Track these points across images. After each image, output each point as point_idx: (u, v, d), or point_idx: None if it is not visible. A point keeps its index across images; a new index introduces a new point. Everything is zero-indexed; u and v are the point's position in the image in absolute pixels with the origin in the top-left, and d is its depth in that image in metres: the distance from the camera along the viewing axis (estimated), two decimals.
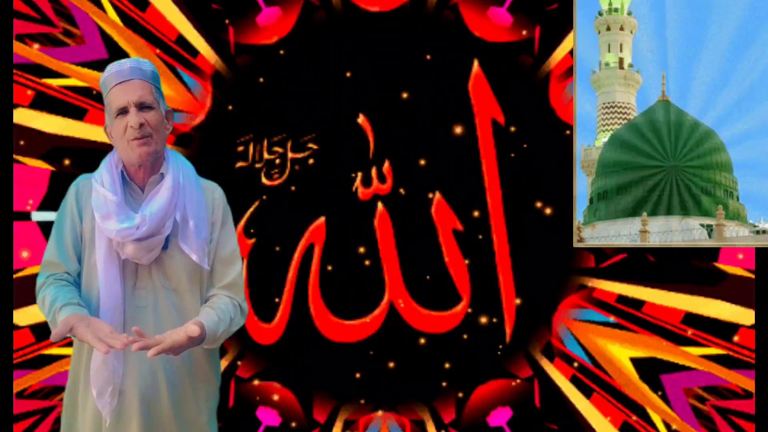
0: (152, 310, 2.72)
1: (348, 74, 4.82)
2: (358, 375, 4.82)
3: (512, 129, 4.82)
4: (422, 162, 4.84)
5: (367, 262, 4.81)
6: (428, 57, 4.82)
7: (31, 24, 4.70)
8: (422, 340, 4.82)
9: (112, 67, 2.72)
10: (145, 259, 2.69)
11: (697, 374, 4.69)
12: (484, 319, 4.82)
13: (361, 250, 4.79)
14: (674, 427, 4.71)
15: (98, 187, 2.69)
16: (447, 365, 4.82)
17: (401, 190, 4.84)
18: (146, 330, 2.68)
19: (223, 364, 4.74)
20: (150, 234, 2.66)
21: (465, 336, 4.82)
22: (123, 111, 2.68)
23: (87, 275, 2.74)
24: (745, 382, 4.66)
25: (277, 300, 4.79)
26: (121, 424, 2.69)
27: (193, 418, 2.78)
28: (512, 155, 4.82)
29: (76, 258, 2.73)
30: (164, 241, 2.71)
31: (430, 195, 4.83)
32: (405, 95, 4.84)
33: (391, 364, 4.82)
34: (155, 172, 2.75)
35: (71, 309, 2.56)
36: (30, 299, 4.67)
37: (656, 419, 4.72)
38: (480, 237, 4.83)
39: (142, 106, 2.68)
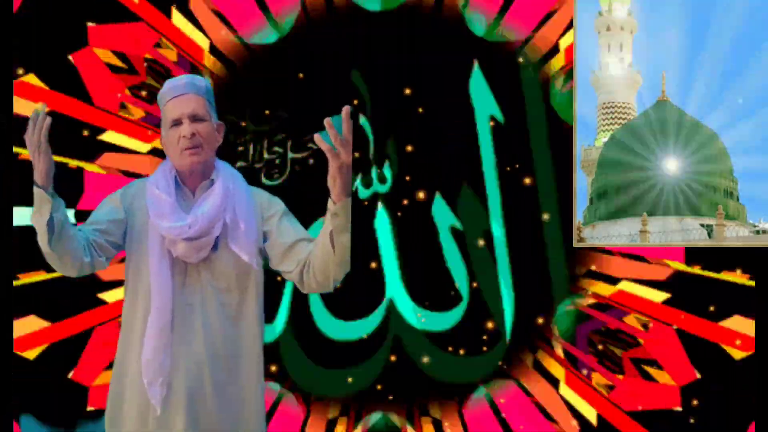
0: (200, 308, 2.83)
1: (348, 74, 4.82)
2: (357, 376, 4.82)
3: (512, 129, 4.82)
4: (422, 162, 4.84)
5: (367, 262, 4.81)
6: (428, 57, 4.82)
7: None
8: (422, 340, 4.83)
9: (169, 83, 2.89)
10: (195, 258, 2.82)
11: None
12: (484, 320, 4.82)
13: (361, 250, 4.78)
14: None
15: (153, 189, 2.84)
16: (447, 365, 4.82)
17: (401, 190, 4.84)
18: (193, 327, 2.82)
19: None
20: (200, 234, 2.79)
21: (465, 336, 4.82)
22: (177, 122, 2.83)
23: (136, 272, 2.86)
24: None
25: (277, 300, 4.79)
26: (168, 415, 2.79)
27: (238, 415, 2.86)
28: (512, 155, 4.82)
29: (104, 226, 2.84)
30: (214, 242, 2.83)
31: (430, 195, 4.83)
32: (405, 95, 4.84)
33: (391, 364, 4.82)
34: (206, 178, 2.89)
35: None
36: (30, 302, 4.69)
37: None
38: (480, 237, 4.83)
39: (194, 118, 2.83)
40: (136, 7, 4.75)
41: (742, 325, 4.66)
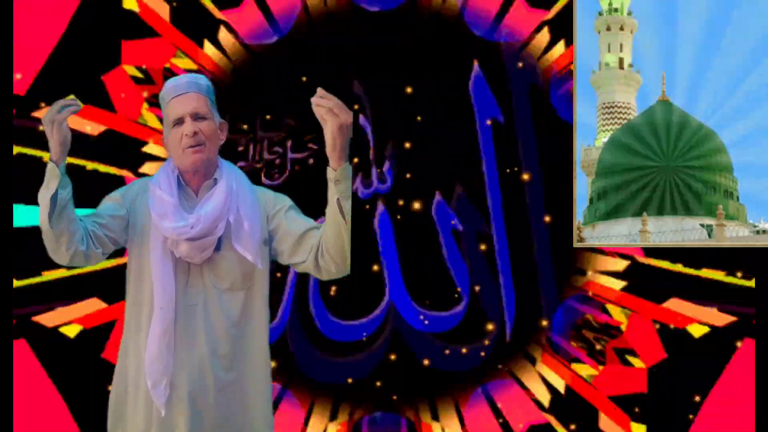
0: (202, 309, 2.82)
1: (348, 74, 4.82)
2: (357, 375, 4.82)
3: (512, 129, 4.82)
4: (422, 161, 4.84)
5: (367, 263, 4.81)
6: (428, 57, 4.82)
7: None
8: (422, 341, 4.83)
9: (171, 82, 2.88)
10: (198, 258, 2.80)
11: None
12: (484, 320, 4.82)
13: (361, 249, 4.77)
14: None
15: (156, 189, 2.82)
16: (447, 365, 4.82)
17: (401, 190, 4.84)
18: (196, 328, 2.81)
19: None
20: (203, 234, 2.78)
21: (465, 336, 4.82)
22: (179, 121, 2.82)
23: (139, 272, 2.85)
24: (748, 383, 4.67)
25: (277, 300, 4.79)
26: (171, 416, 2.79)
27: (242, 416, 2.86)
28: (512, 155, 4.82)
29: (105, 220, 2.84)
30: (217, 243, 2.81)
31: (430, 195, 4.83)
32: (405, 95, 4.84)
33: (391, 364, 4.82)
34: (209, 177, 2.87)
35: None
36: (30, 299, 4.70)
37: None
38: (480, 237, 4.83)
39: (196, 117, 2.81)
40: (163, 30, 4.77)
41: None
